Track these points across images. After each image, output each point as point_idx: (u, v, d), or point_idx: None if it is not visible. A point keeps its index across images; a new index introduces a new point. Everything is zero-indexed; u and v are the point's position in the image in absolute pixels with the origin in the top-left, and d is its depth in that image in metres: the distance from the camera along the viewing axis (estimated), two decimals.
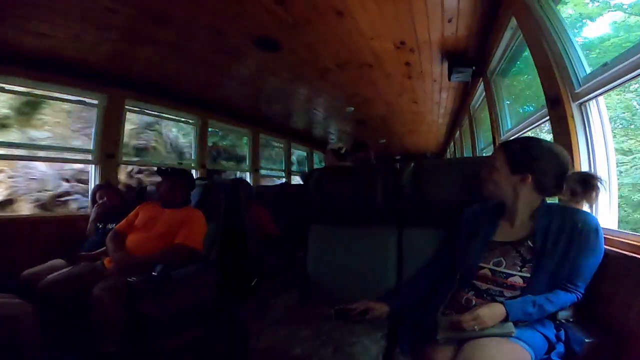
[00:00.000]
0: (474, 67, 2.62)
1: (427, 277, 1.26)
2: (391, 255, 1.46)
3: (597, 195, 0.96)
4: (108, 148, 2.84)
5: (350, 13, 2.00)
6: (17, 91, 2.55)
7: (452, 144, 6.28)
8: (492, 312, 0.92)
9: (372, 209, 1.55)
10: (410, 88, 3.52)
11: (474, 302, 1.01)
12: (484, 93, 2.92)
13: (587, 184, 0.95)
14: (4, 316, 1.31)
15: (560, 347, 0.93)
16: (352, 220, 1.59)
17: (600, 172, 1.24)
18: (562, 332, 0.96)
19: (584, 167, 1.29)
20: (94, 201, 2.45)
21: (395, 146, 7.28)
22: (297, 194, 2.91)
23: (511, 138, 1.87)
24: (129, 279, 1.62)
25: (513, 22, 1.86)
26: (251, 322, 1.22)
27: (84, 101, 2.82)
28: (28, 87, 2.49)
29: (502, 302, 0.94)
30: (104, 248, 1.94)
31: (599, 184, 0.95)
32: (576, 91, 1.31)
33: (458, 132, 5.20)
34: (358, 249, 1.51)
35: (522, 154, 1.02)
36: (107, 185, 2.56)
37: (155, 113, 3.56)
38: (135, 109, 3.21)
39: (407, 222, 1.49)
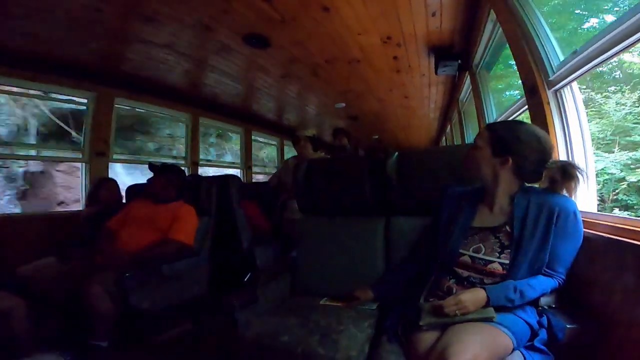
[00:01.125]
0: (459, 61, 2.66)
1: (411, 263, 1.28)
2: (379, 244, 1.48)
3: (576, 186, 0.95)
4: (98, 146, 2.85)
5: (336, 9, 2.03)
6: (8, 91, 2.56)
7: (444, 138, 6.34)
8: (474, 296, 0.92)
9: (360, 199, 1.57)
10: (400, 82, 3.56)
11: (454, 290, 1.01)
12: (471, 87, 2.98)
13: (567, 173, 0.95)
14: None
15: (543, 334, 0.93)
16: (340, 211, 1.61)
17: (577, 155, 1.29)
18: (545, 319, 0.94)
19: (562, 151, 1.33)
20: (90, 197, 2.44)
21: (389, 142, 7.32)
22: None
23: None
24: (120, 274, 1.64)
25: (493, 15, 1.90)
26: (240, 313, 1.24)
27: (74, 100, 2.82)
28: (20, 87, 2.50)
29: (483, 288, 0.94)
30: (97, 244, 1.95)
31: (578, 173, 0.94)
32: (550, 79, 1.35)
33: (449, 127, 5.26)
34: (346, 240, 1.53)
35: (505, 136, 1.01)
36: (107, 180, 2.56)
37: (145, 110, 3.57)
38: (125, 107, 3.22)
39: (393, 211, 1.52)
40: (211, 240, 2.20)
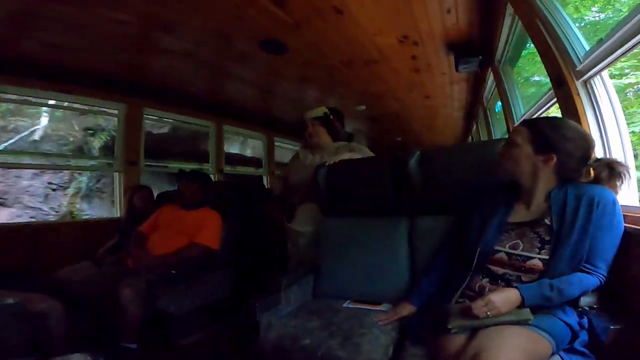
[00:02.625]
0: (480, 57, 2.57)
1: (442, 264, 1.22)
2: (402, 246, 1.45)
3: (622, 184, 0.92)
4: (130, 155, 3.01)
5: (349, 10, 2.03)
6: (49, 104, 2.77)
7: (470, 137, 6.13)
8: (506, 296, 0.86)
9: (382, 199, 1.55)
10: (420, 82, 3.49)
11: (487, 289, 0.96)
12: (495, 83, 2.87)
13: (614, 171, 0.92)
14: (34, 312, 1.38)
15: (584, 336, 0.88)
16: (362, 213, 1.60)
17: (614, 149, 1.22)
18: (585, 320, 0.89)
19: (597, 145, 1.24)
20: (128, 204, 2.56)
21: (412, 144, 7.17)
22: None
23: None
24: (149, 277, 1.72)
25: (511, 8, 1.84)
26: (262, 315, 1.24)
27: (105, 110, 3.01)
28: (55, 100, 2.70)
29: (516, 287, 0.88)
30: (129, 249, 2.06)
31: (625, 172, 0.91)
32: (578, 69, 1.28)
33: (475, 125, 5.09)
34: (369, 241, 1.51)
35: (549, 134, 0.96)
36: (141, 188, 2.67)
37: (172, 120, 3.73)
38: (153, 117, 3.38)
39: (417, 211, 1.48)
40: (236, 244, 2.25)
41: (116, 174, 3.06)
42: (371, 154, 1.91)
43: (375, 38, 2.43)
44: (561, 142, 0.94)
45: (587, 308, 0.92)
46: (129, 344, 1.61)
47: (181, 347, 1.82)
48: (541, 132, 0.98)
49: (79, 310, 1.70)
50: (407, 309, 1.20)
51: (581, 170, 0.95)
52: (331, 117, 1.93)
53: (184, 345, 1.84)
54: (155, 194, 2.68)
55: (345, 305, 1.36)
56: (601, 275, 0.88)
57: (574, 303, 0.91)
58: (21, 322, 1.25)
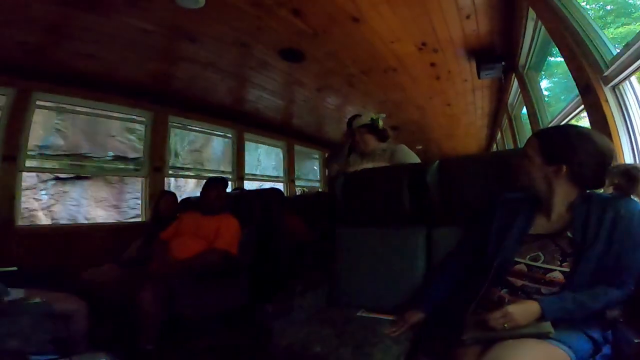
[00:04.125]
0: (503, 62, 2.51)
1: (453, 272, 1.19)
2: (419, 256, 1.41)
3: None
4: (156, 161, 3.14)
5: (365, 19, 2.05)
6: (78, 111, 2.95)
7: (495, 146, 5.94)
8: (525, 309, 0.83)
9: (399, 209, 1.52)
10: (440, 90, 3.44)
11: (507, 300, 0.92)
12: (519, 89, 2.78)
13: (632, 177, 0.87)
14: (59, 311, 1.41)
15: (607, 350, 0.84)
16: (379, 222, 1.57)
17: None
18: (609, 333, 0.85)
19: (627, 153, 1.21)
20: (154, 208, 2.65)
21: (434, 152, 7.04)
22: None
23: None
24: (170, 281, 1.76)
25: (532, 13, 1.79)
26: (275, 321, 1.24)
27: (134, 118, 3.16)
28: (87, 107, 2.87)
29: (536, 299, 0.84)
30: (152, 253, 2.11)
31: None
32: (605, 74, 1.23)
33: (499, 134, 4.92)
34: (385, 251, 1.48)
35: (557, 143, 0.94)
36: (166, 194, 2.75)
37: (197, 128, 3.87)
38: (178, 125, 3.52)
39: (435, 222, 1.45)
40: (253, 251, 2.28)
41: (142, 179, 3.19)
42: (410, 153, 1.92)
43: (393, 46, 2.43)
44: (569, 151, 0.91)
45: (612, 320, 0.87)
46: (147, 345, 1.64)
47: (197, 350, 1.85)
48: (550, 143, 0.96)
49: (101, 310, 1.74)
50: (416, 317, 1.16)
51: (602, 178, 0.91)
52: (378, 122, 1.98)
53: (200, 348, 1.86)
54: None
55: (358, 314, 1.34)
56: (629, 289, 0.84)
57: (599, 315, 0.86)
58: (46, 321, 1.28)
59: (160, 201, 2.60)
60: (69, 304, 1.50)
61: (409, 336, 1.13)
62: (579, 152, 0.90)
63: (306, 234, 2.87)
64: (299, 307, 1.36)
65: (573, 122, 1.79)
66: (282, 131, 4.73)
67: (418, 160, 1.92)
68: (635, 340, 0.79)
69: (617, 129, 1.22)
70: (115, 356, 1.28)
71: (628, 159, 1.20)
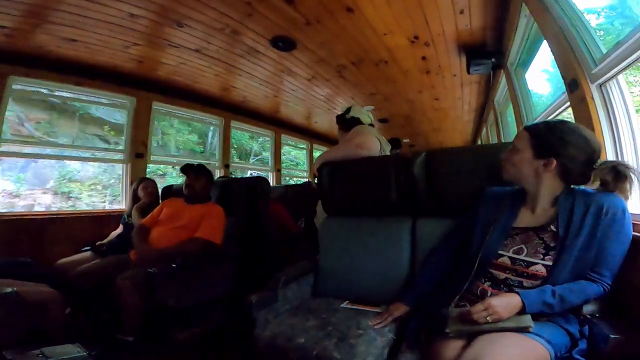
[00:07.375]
0: (492, 59, 2.53)
1: (439, 264, 1.21)
2: (404, 247, 1.43)
3: (631, 187, 0.88)
4: (138, 148, 3.04)
5: (359, 9, 2.01)
6: (60, 96, 2.80)
7: (479, 141, 6.06)
8: (507, 302, 0.84)
9: (385, 200, 1.53)
10: (430, 84, 3.46)
11: (489, 293, 0.94)
12: (507, 86, 2.82)
13: (620, 174, 0.88)
14: (33, 302, 1.37)
15: (583, 344, 0.86)
16: (365, 213, 1.58)
17: (627, 154, 1.18)
18: (586, 328, 0.87)
19: (609, 150, 1.23)
20: (132, 196, 2.57)
21: (421, 146, 7.12)
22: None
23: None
24: (149, 270, 1.70)
25: (526, 9, 1.79)
26: (259, 312, 1.23)
27: (116, 103, 3.04)
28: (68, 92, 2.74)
29: (517, 293, 0.85)
30: (131, 241, 2.05)
31: (631, 173, 0.87)
32: (593, 72, 1.25)
33: (485, 129, 5.01)
34: (371, 241, 1.49)
35: (548, 137, 0.94)
36: (146, 180, 2.67)
37: (181, 114, 3.76)
38: (162, 110, 3.41)
39: (421, 213, 1.46)
40: (238, 240, 2.24)
41: (123, 165, 3.08)
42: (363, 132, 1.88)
43: (385, 38, 2.41)
44: (561, 146, 0.92)
45: (589, 316, 0.90)
46: (126, 337, 1.60)
47: (178, 341, 1.81)
48: (541, 136, 0.96)
49: (77, 301, 1.70)
50: (400, 309, 1.18)
51: (588, 174, 0.92)
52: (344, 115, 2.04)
53: (181, 339, 1.83)
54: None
55: (342, 305, 1.34)
56: (606, 284, 0.86)
57: (576, 310, 0.89)
58: (19, 312, 1.24)
59: (139, 187, 2.52)
60: (42, 294, 1.45)
61: (393, 329, 1.14)
62: (570, 147, 0.91)
63: (292, 224, 2.86)
64: (283, 297, 1.35)
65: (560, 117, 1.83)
66: (270, 120, 4.67)
67: (373, 142, 1.87)
68: (612, 336, 0.81)
69: (601, 127, 1.24)
70: (93, 348, 1.25)
71: (611, 157, 1.22)
